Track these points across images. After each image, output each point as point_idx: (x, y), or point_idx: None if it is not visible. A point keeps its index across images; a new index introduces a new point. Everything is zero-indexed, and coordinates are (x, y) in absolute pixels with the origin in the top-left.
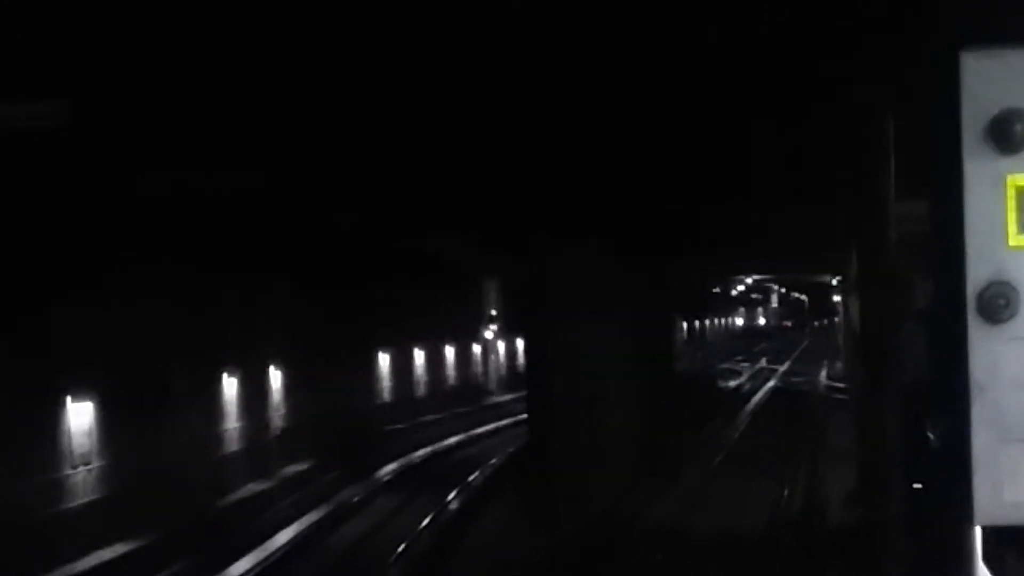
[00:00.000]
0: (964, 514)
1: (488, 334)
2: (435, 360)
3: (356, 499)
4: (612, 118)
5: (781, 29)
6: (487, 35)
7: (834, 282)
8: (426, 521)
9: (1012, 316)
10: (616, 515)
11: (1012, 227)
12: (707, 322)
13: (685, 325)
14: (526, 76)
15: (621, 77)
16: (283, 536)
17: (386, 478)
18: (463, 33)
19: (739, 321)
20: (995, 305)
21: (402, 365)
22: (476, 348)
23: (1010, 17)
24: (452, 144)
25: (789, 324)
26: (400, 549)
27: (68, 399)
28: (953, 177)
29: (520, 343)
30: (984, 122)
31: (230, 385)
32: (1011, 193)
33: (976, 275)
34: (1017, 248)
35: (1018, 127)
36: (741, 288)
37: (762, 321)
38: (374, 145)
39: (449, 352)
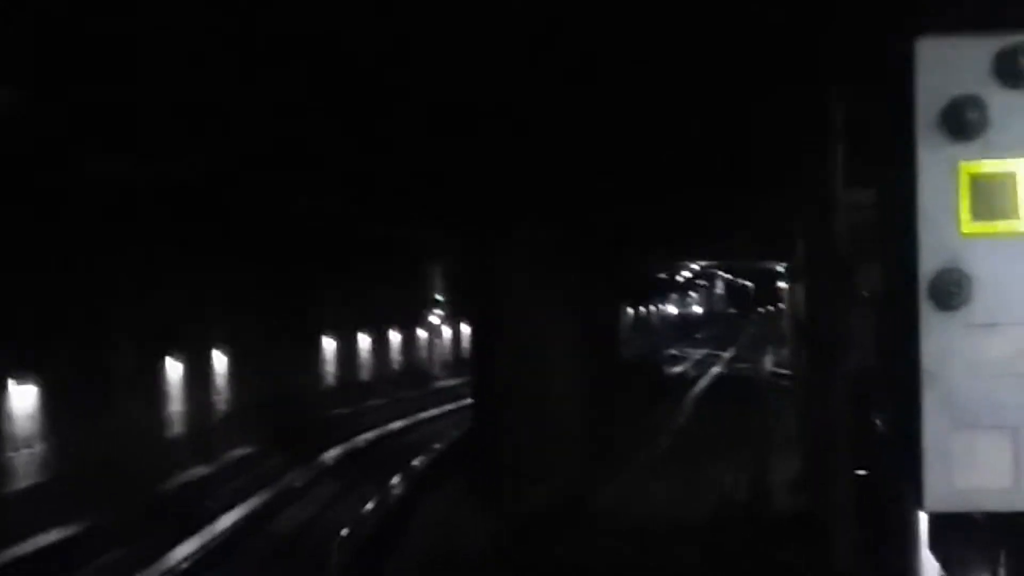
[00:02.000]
0: (913, 500)
1: (434, 319)
2: (381, 344)
3: (300, 484)
4: (560, 103)
5: (728, 10)
6: (439, 18)
7: (780, 269)
8: (370, 506)
9: (964, 303)
10: (563, 500)
11: (965, 214)
12: (652, 308)
13: (631, 311)
14: (472, 60)
15: (569, 63)
16: (226, 520)
17: (331, 463)
18: (412, 14)
19: (685, 308)
20: (948, 292)
21: (347, 349)
22: (422, 333)
23: (965, 3)
24: (400, 126)
25: (734, 311)
26: (344, 533)
27: (11, 381)
28: (906, 164)
29: (466, 328)
30: (938, 109)
31: (174, 368)
32: (964, 180)
33: (928, 262)
34: (970, 235)
35: (972, 114)
36: (687, 274)
37: (700, 309)
38: (321, 127)
39: (395, 337)
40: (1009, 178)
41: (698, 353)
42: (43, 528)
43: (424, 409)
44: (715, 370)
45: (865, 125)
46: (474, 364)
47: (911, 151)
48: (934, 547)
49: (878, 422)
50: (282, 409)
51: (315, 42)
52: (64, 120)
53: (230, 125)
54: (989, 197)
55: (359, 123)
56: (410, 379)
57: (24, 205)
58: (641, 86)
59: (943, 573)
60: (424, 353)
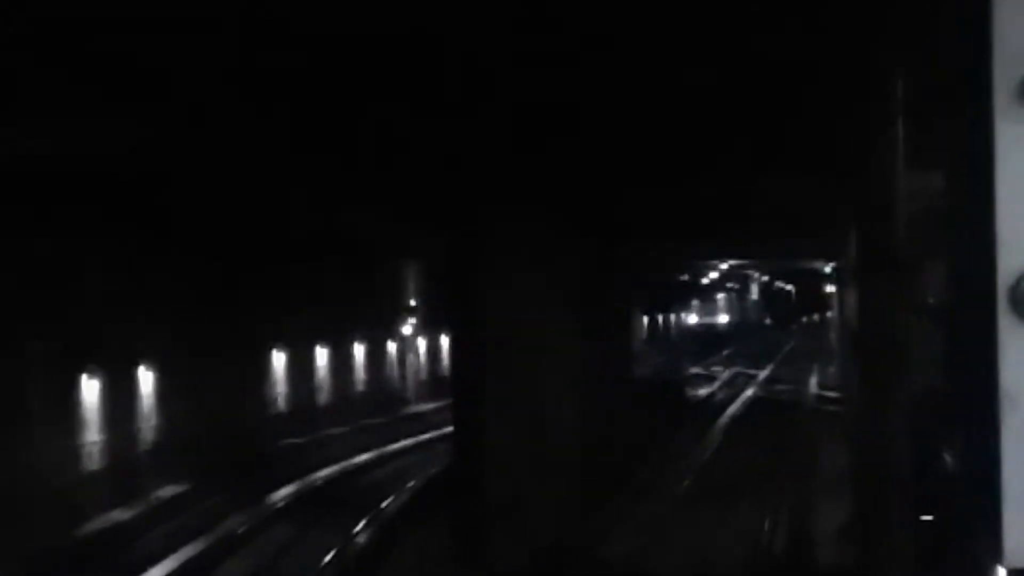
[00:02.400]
0: (990, 553)
1: (407, 329)
2: (342, 360)
3: (243, 530)
4: (561, 67)
5: None
6: None
7: (827, 269)
8: (328, 558)
9: None
10: (562, 551)
11: None
12: (672, 317)
13: (646, 320)
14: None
15: (572, 16)
16: None
17: (280, 504)
18: None
19: (711, 317)
20: None
21: (302, 367)
22: (392, 346)
23: None
24: (366, 101)
25: (771, 320)
26: None
27: None
28: (980, 143)
29: (446, 340)
30: (1019, 76)
31: (91, 389)
32: None
33: (1009, 264)
34: None
35: None
36: (714, 276)
37: (730, 318)
38: (271, 100)
39: (359, 350)
40: None
41: (727, 372)
42: None
43: (395, 439)
44: (748, 393)
45: (932, 96)
46: (455, 384)
47: (987, 128)
48: None
49: (946, 457)
50: (222, 438)
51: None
52: None
53: (162, 96)
54: None
55: (311, 96)
56: (378, 402)
57: None
58: (659, 42)
59: None
60: (395, 370)
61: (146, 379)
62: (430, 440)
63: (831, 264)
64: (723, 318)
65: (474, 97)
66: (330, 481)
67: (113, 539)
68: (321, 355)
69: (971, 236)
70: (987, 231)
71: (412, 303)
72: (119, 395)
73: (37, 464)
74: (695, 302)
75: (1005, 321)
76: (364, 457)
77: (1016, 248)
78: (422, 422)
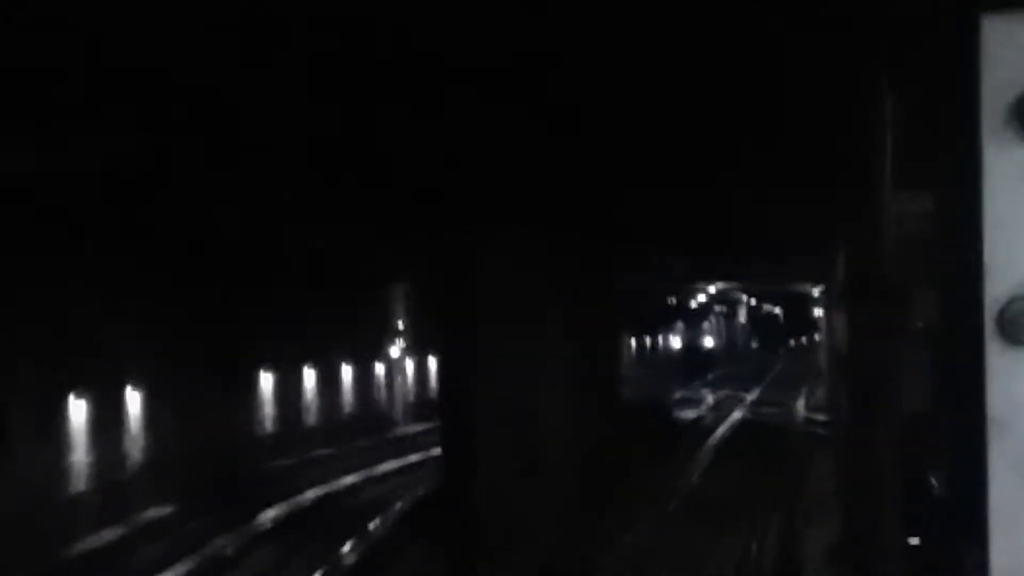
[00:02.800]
0: None
1: (394, 351)
2: (329, 382)
3: (229, 552)
4: (550, 89)
5: None
6: None
7: (816, 293)
8: None
9: None
10: (554, 572)
11: None
12: (660, 340)
13: (634, 343)
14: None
15: (560, 26)
16: None
17: (267, 526)
18: None
19: (699, 339)
20: (1020, 324)
21: (289, 388)
22: (380, 368)
23: None
24: (354, 120)
25: (759, 343)
26: None
27: None
28: (969, 167)
29: (434, 362)
30: (1009, 99)
31: (78, 410)
32: None
33: (997, 287)
34: None
35: None
36: (702, 299)
37: (718, 341)
38: (257, 121)
39: (347, 372)
40: None
41: (715, 395)
42: None
43: (383, 460)
44: (736, 415)
45: (921, 118)
46: (444, 407)
47: (975, 150)
48: None
49: (934, 480)
50: (210, 459)
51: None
52: None
53: (149, 112)
54: None
55: (300, 110)
56: (366, 424)
57: None
58: (648, 61)
59: None
60: (383, 392)
61: (133, 400)
62: (418, 462)
63: (819, 287)
64: (711, 341)
65: (460, 119)
66: (317, 502)
67: (100, 559)
68: (308, 376)
69: (959, 260)
70: (975, 255)
71: (400, 326)
72: (106, 416)
73: (26, 484)
74: (683, 325)
75: (993, 346)
76: (351, 479)
77: (1004, 272)
78: (410, 444)
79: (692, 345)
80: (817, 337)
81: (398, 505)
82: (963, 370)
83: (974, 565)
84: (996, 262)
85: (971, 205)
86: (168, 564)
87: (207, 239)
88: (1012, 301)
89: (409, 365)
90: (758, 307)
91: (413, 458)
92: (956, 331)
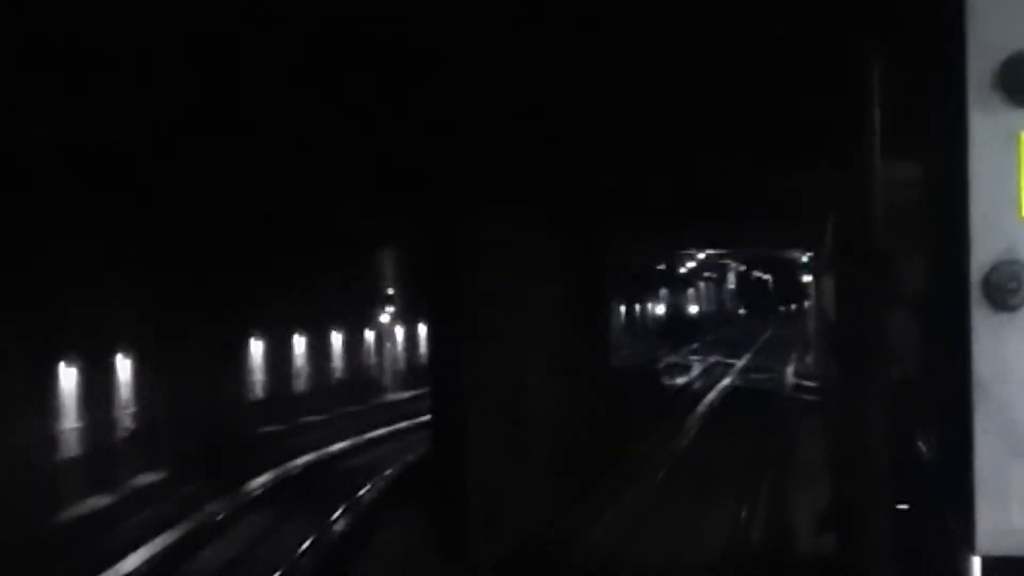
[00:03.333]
0: (963, 541)
1: (384, 318)
2: (319, 349)
3: (220, 517)
4: (539, 51)
5: None
6: None
7: (805, 259)
8: (305, 546)
9: None
10: (542, 541)
11: None
12: (649, 306)
13: (623, 309)
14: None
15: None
16: (127, 565)
17: (257, 492)
18: None
19: (689, 306)
20: (1005, 289)
21: (279, 354)
22: (369, 335)
23: None
24: (342, 85)
25: (748, 310)
26: None
27: None
28: (955, 134)
29: (423, 329)
30: (993, 68)
31: (68, 376)
32: None
33: (982, 253)
34: None
35: None
36: (691, 265)
37: (708, 307)
38: (250, 84)
39: (336, 339)
40: None
41: (705, 361)
42: None
43: (372, 427)
44: (726, 382)
45: (908, 85)
46: (433, 372)
47: (961, 118)
48: None
49: (922, 446)
50: (200, 426)
51: None
52: None
53: (137, 76)
54: None
55: (290, 77)
56: (355, 390)
57: None
58: (641, 30)
59: None
60: (372, 359)
61: (124, 367)
62: (408, 428)
63: (808, 254)
64: (703, 307)
65: (457, 83)
66: (307, 468)
67: (90, 525)
68: (298, 343)
69: (946, 226)
70: (961, 221)
71: (390, 292)
72: (96, 382)
73: (14, 449)
74: (670, 291)
75: (978, 310)
76: (341, 445)
77: (990, 238)
78: (400, 410)
79: (679, 312)
80: (807, 304)
81: (387, 471)
82: (950, 335)
83: (961, 529)
84: (981, 228)
85: (957, 172)
86: (160, 529)
87: (197, 206)
88: (997, 266)
89: (399, 331)
90: (747, 273)
91: (402, 424)
92: (943, 296)
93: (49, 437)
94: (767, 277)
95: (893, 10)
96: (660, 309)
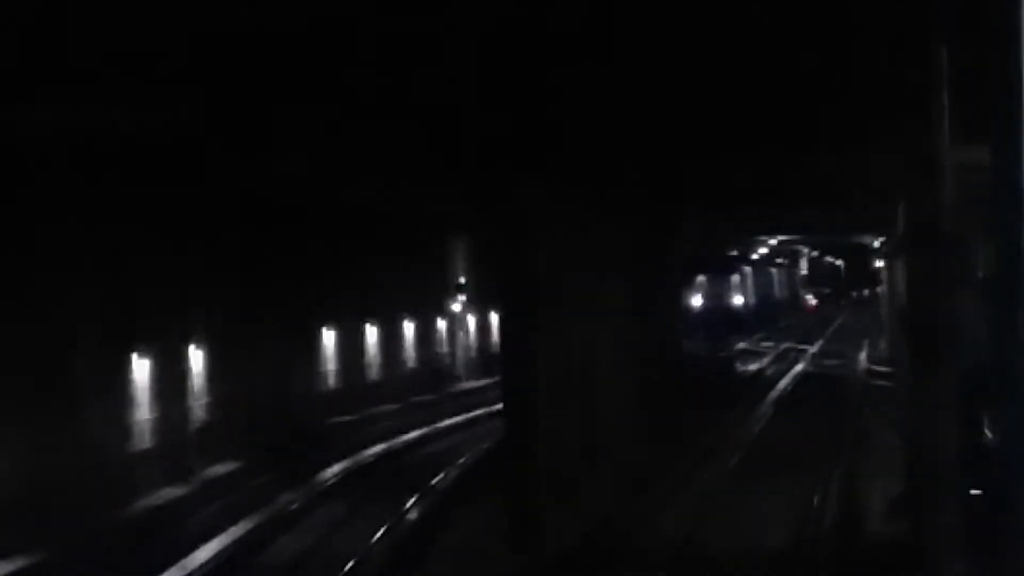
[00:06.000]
0: None
1: (456, 306)
2: (391, 338)
3: (294, 507)
4: (619, 45)
5: None
6: None
7: (876, 244)
8: (378, 535)
9: None
10: (613, 527)
11: None
12: (719, 292)
13: (694, 294)
14: None
15: None
16: (201, 555)
17: (331, 482)
18: None
19: (761, 292)
20: None
21: (351, 344)
22: (441, 323)
23: None
24: (412, 75)
25: (812, 302)
26: (346, 571)
27: None
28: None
29: (495, 317)
30: None
31: (141, 368)
32: None
33: None
34: None
35: None
36: (764, 251)
37: (779, 293)
38: (318, 76)
39: (408, 328)
40: None
41: (777, 347)
42: None
43: (445, 416)
44: (798, 368)
45: (977, 71)
46: (505, 362)
47: None
48: None
49: (995, 431)
50: (273, 416)
51: None
52: None
53: (200, 68)
54: None
55: (369, 72)
56: (428, 379)
57: None
58: (717, 23)
59: None
60: (445, 348)
61: (196, 358)
62: (481, 416)
63: (880, 239)
64: (775, 292)
65: (529, 70)
66: (379, 458)
67: (165, 516)
68: (370, 332)
69: (1015, 209)
70: None
71: (462, 280)
72: (169, 374)
73: (90, 441)
74: (740, 277)
75: None
76: (414, 434)
77: None
78: (472, 399)
79: (755, 296)
80: (879, 288)
81: (460, 460)
82: (1015, 319)
83: None
84: None
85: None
86: (234, 519)
87: (268, 197)
88: None
89: (471, 319)
90: (819, 258)
91: (475, 413)
92: (1012, 280)
93: (123, 428)
94: (839, 263)
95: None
96: (731, 293)
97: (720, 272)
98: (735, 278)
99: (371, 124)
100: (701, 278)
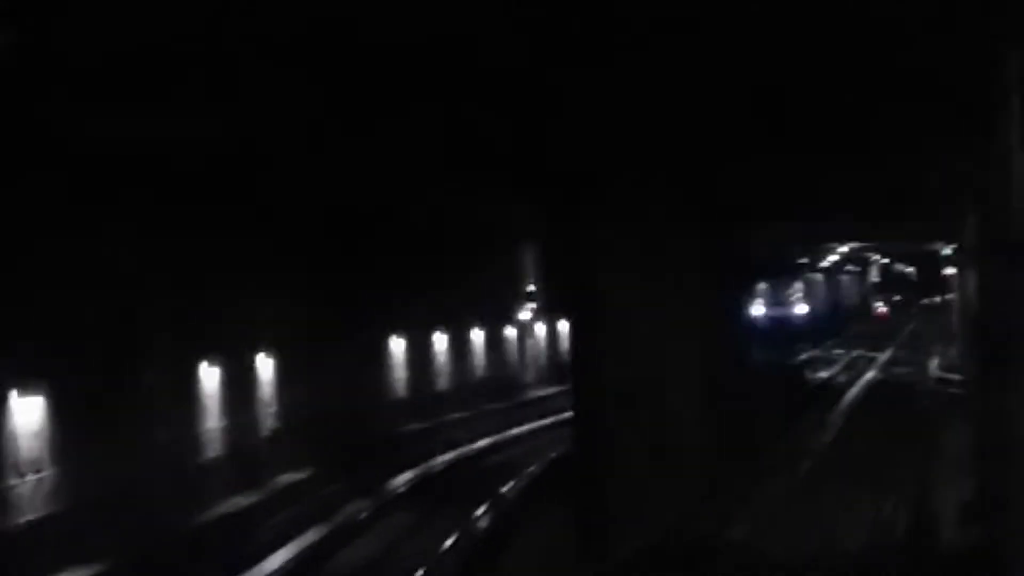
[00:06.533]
0: None
1: (525, 314)
2: (461, 346)
3: (364, 516)
4: (684, 45)
5: None
6: None
7: (948, 251)
8: (448, 543)
9: None
10: (683, 537)
11: None
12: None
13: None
14: None
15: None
16: (273, 562)
17: (401, 490)
18: None
19: (833, 299)
20: None
21: (421, 352)
22: (511, 331)
23: None
24: (480, 80)
25: (883, 310)
26: None
27: (13, 393)
28: None
29: (564, 325)
30: None
31: (211, 376)
32: None
33: None
34: None
35: None
36: (834, 258)
37: (850, 300)
38: (383, 79)
39: (478, 336)
40: None
41: (847, 355)
42: (51, 571)
43: (515, 424)
44: (868, 376)
45: None
46: (575, 370)
47: None
48: None
49: None
50: (342, 424)
51: None
52: (66, 70)
53: (263, 80)
54: None
55: (435, 72)
56: (498, 387)
57: (19, 177)
58: (787, 24)
59: None
60: (514, 356)
61: (266, 367)
62: (550, 425)
63: (951, 246)
64: (845, 299)
65: (596, 81)
66: (450, 466)
67: (236, 524)
68: (440, 341)
69: None
70: None
71: (530, 288)
72: (239, 382)
73: (162, 449)
74: (810, 286)
75: None
76: (484, 442)
77: None
78: (542, 407)
79: (825, 304)
80: (950, 296)
81: (529, 469)
82: None
83: None
84: None
85: None
86: (304, 527)
87: (345, 207)
88: None
89: (540, 327)
90: (890, 266)
91: (545, 421)
92: None
93: (193, 436)
94: (910, 270)
95: None
96: (801, 301)
97: (785, 279)
98: (799, 285)
99: (441, 133)
100: (763, 285)
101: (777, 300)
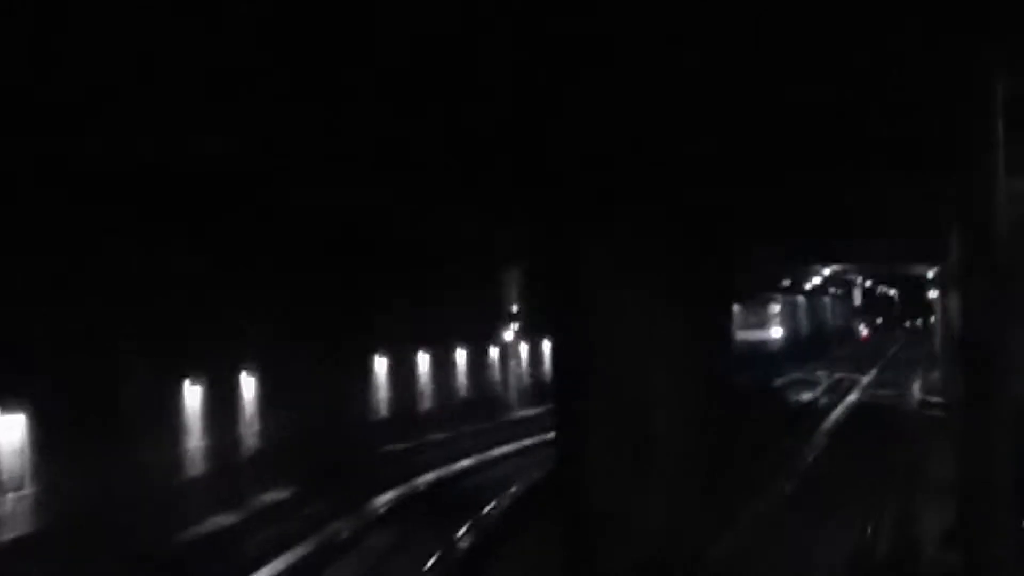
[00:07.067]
0: None
1: (508, 335)
2: (444, 366)
3: (345, 536)
4: (659, 65)
5: None
6: None
7: (930, 274)
8: (430, 563)
9: None
10: (667, 558)
11: None
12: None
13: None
14: None
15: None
16: None
17: (383, 510)
18: None
19: (816, 321)
20: None
21: (404, 372)
22: (494, 351)
23: None
24: (462, 99)
25: (865, 331)
26: None
27: None
28: None
29: (547, 346)
30: None
31: (192, 394)
32: None
33: None
34: None
35: None
36: (816, 281)
37: (832, 323)
38: (369, 101)
39: (460, 356)
40: None
41: (829, 377)
42: None
43: (497, 444)
44: (851, 398)
45: None
46: (557, 391)
47: None
48: None
49: None
50: (325, 443)
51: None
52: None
53: (249, 96)
54: None
55: (420, 96)
56: (480, 408)
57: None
58: (767, 44)
59: None
60: (497, 376)
61: (248, 385)
62: (533, 446)
63: (933, 269)
64: (825, 322)
65: (585, 101)
66: (433, 485)
67: (215, 544)
68: (422, 361)
69: None
70: None
71: (514, 308)
72: (221, 401)
73: (142, 468)
74: (792, 308)
75: None
76: (466, 462)
77: None
78: (524, 427)
79: (808, 326)
80: (932, 319)
81: (512, 489)
82: None
83: None
84: None
85: None
86: (286, 545)
87: (323, 224)
88: None
89: (523, 348)
90: (873, 289)
91: (528, 442)
92: None
93: (174, 455)
94: (893, 292)
95: (1016, 24)
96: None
97: (766, 301)
98: (775, 307)
99: (423, 154)
100: (744, 308)
101: (760, 322)
